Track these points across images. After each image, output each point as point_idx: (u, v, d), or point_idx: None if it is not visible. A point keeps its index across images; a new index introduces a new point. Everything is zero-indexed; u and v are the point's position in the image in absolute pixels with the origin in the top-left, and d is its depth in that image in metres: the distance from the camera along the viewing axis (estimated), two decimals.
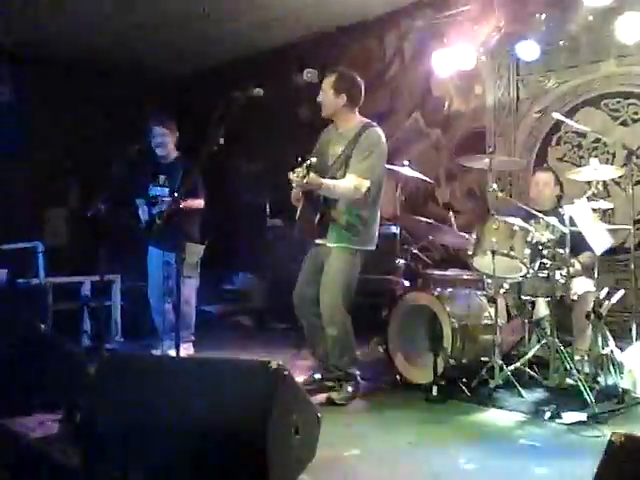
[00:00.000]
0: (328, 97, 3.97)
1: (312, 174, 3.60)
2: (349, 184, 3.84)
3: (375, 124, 4.01)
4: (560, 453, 3.04)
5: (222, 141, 3.86)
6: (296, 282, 4.20)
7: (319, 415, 2.85)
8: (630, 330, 4.35)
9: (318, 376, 4.27)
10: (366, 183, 3.84)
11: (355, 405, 3.91)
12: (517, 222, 3.97)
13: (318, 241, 4.06)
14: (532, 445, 3.13)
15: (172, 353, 5.01)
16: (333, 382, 4.08)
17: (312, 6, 6.42)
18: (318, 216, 3.92)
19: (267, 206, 7.06)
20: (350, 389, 3.99)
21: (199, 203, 5.00)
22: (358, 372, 4.09)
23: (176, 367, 2.67)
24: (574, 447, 3.11)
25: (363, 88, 4.04)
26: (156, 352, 5.18)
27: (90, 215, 4.61)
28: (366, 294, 5.26)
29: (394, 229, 5.90)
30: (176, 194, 4.32)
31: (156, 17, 6.36)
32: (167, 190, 5.00)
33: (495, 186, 4.04)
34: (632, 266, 4.49)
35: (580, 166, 5.23)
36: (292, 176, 3.65)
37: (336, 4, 6.38)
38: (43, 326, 4.58)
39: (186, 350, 5.00)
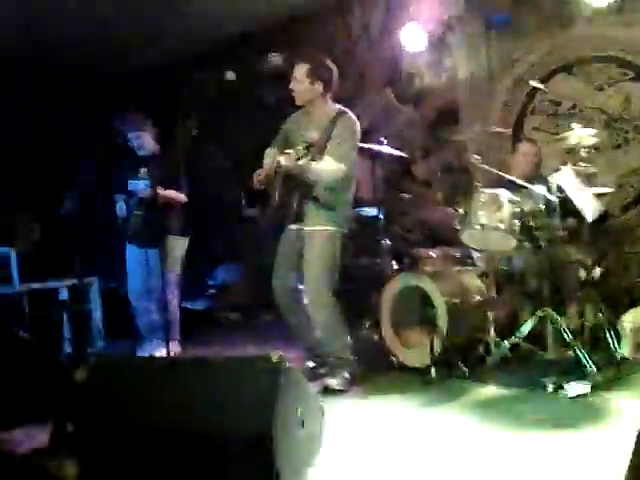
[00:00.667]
0: (303, 86, 3.90)
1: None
2: (330, 167, 3.79)
3: (348, 111, 3.96)
4: (569, 424, 2.98)
5: (196, 131, 3.76)
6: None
7: (323, 406, 2.77)
8: (621, 296, 4.36)
9: (311, 364, 4.18)
10: (343, 167, 3.81)
11: (354, 392, 3.82)
12: (504, 193, 3.90)
13: (293, 226, 3.99)
14: (539, 419, 3.07)
15: (159, 354, 4.92)
16: (327, 369, 4.00)
17: None
18: (296, 200, 3.86)
19: (242, 196, 6.91)
20: (347, 375, 3.90)
21: (181, 197, 4.87)
22: (352, 357, 4.01)
23: (172, 367, 2.55)
24: (581, 417, 3.06)
25: (337, 72, 3.97)
26: (142, 354, 5.07)
27: (61, 214, 4.45)
28: (353, 279, 5.19)
29: (374, 211, 5.83)
30: (154, 183, 4.16)
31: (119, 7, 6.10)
32: (148, 182, 4.82)
33: (478, 157, 3.97)
34: (618, 232, 4.51)
35: (557, 134, 5.21)
36: (285, 156, 3.57)
37: None
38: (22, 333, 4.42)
39: (173, 349, 4.86)
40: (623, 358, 3.83)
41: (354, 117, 3.92)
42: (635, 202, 4.92)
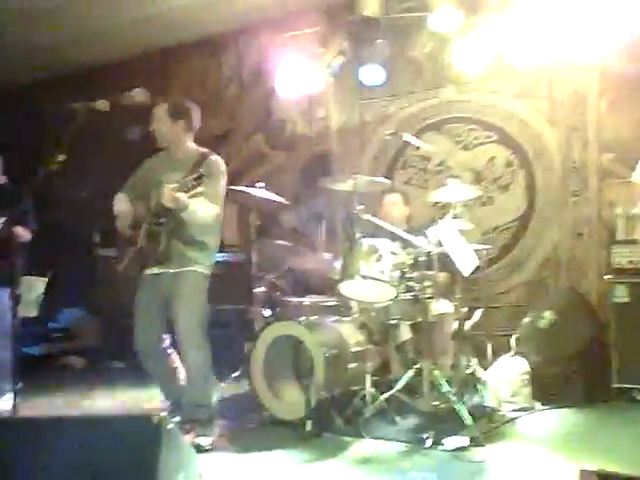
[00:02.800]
0: (164, 125, 3.79)
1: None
2: (205, 207, 3.65)
3: (213, 152, 3.86)
4: None
5: (62, 158, 3.43)
6: (133, 320, 3.83)
7: (201, 472, 2.49)
8: (486, 349, 4.46)
9: (175, 419, 3.86)
10: (216, 208, 3.72)
11: (224, 449, 3.53)
12: (384, 244, 3.87)
13: (155, 270, 3.77)
14: (424, 477, 2.98)
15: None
16: (191, 425, 3.70)
17: (144, 21, 6.01)
18: (164, 241, 3.66)
19: (97, 235, 6.43)
20: (215, 430, 3.67)
21: (27, 234, 4.37)
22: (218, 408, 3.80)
23: (35, 430, 2.16)
24: (465, 475, 3.02)
25: (198, 112, 3.90)
26: None
27: None
28: (219, 326, 4.92)
29: (240, 256, 5.63)
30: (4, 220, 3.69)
31: None
32: None
33: (361, 207, 3.93)
34: (484, 286, 4.65)
35: (427, 189, 5.36)
36: (167, 188, 3.41)
37: (170, 20, 6.02)
38: None
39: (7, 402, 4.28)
40: (493, 409, 3.88)
41: (220, 159, 3.84)
42: (498, 258, 5.14)
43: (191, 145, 3.87)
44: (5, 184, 4.58)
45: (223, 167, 3.82)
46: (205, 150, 3.85)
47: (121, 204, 3.82)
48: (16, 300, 3.32)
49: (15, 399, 3.26)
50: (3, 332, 4.26)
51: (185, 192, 3.43)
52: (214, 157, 3.80)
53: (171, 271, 3.73)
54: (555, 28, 4.71)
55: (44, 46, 6.35)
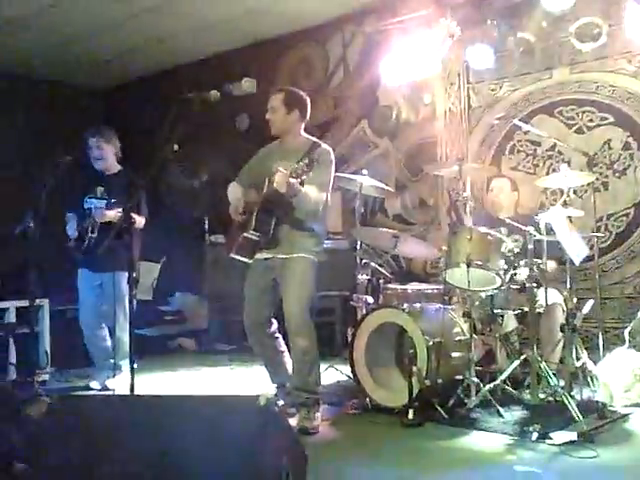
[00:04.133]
0: (280, 114, 3.87)
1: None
2: (314, 194, 3.70)
3: (323, 142, 3.92)
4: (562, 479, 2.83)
5: (176, 147, 3.56)
6: (242, 303, 3.95)
7: (307, 454, 2.54)
8: (597, 341, 4.27)
9: (280, 402, 3.97)
10: (324, 196, 3.77)
11: (328, 434, 3.60)
12: (490, 231, 3.79)
13: (265, 255, 3.84)
14: (530, 471, 2.91)
15: (111, 384, 4.62)
16: (296, 408, 3.79)
17: (250, 13, 6.14)
18: (273, 226, 3.74)
19: (206, 222, 6.68)
20: (319, 415, 3.73)
21: (140, 221, 4.60)
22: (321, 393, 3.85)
23: (145, 408, 2.29)
24: (573, 471, 2.91)
25: (309, 103, 3.96)
26: (93, 383, 4.77)
27: (19, 233, 4.16)
28: (323, 312, 5.00)
29: (344, 243, 5.68)
30: (123, 208, 3.90)
31: (84, 21, 5.92)
32: (105, 202, 4.56)
33: (467, 194, 3.85)
34: (596, 275, 4.43)
35: (535, 174, 5.18)
36: (280, 173, 3.48)
37: (275, 11, 6.12)
38: None
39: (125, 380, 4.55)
40: (603, 405, 3.72)
41: (330, 148, 3.89)
42: (612, 247, 4.89)
43: (303, 134, 3.94)
44: (121, 171, 4.80)
45: (332, 157, 3.87)
46: (315, 140, 3.92)
47: (234, 192, 3.95)
48: (134, 284, 3.50)
49: (132, 378, 3.44)
50: (122, 314, 4.56)
51: (296, 178, 3.48)
52: (324, 146, 3.86)
53: (280, 256, 3.80)
54: None
55: (155, 39, 6.62)
